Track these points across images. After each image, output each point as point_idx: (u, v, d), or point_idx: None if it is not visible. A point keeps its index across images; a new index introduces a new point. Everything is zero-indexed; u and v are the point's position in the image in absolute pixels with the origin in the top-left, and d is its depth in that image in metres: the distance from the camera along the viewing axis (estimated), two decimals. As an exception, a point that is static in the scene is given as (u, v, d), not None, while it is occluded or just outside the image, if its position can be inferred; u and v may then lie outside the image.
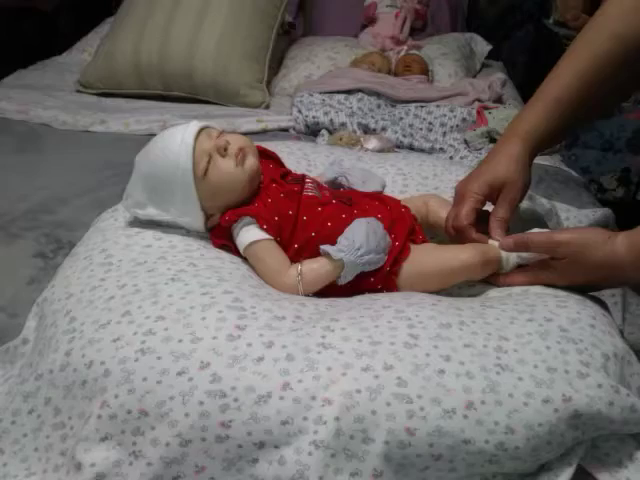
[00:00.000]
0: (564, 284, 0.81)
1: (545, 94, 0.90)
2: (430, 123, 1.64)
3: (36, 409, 0.72)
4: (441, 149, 1.58)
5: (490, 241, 0.86)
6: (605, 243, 0.76)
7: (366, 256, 0.80)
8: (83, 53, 2.27)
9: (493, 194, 0.88)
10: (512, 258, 0.85)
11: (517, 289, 0.82)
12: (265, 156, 0.94)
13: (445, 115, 1.66)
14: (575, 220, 1.08)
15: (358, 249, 0.80)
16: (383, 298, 0.79)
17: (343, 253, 0.80)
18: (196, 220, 0.87)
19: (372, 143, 1.48)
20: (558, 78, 0.90)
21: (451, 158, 1.53)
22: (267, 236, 0.84)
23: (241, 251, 0.85)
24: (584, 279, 0.80)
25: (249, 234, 0.84)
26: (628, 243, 0.75)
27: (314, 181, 0.93)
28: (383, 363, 0.66)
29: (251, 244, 0.84)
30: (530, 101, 0.91)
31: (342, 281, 0.82)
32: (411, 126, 1.64)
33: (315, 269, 0.82)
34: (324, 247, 0.81)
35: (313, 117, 1.66)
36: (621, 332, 0.85)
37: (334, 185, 0.99)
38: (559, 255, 0.79)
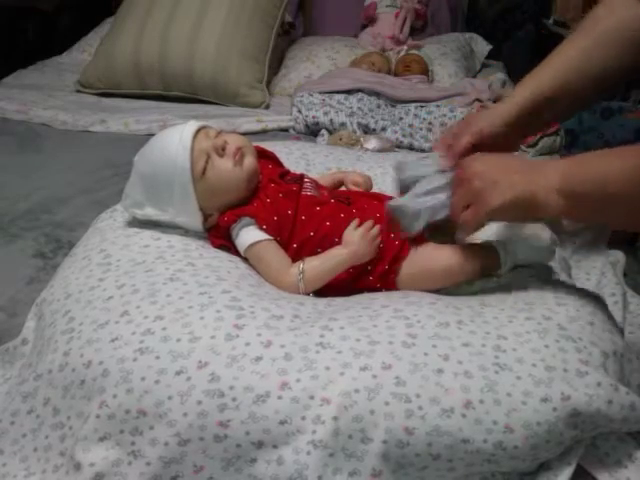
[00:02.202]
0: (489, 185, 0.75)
1: (549, 66, 0.90)
2: (430, 123, 1.64)
3: (35, 409, 0.72)
4: (441, 149, 1.58)
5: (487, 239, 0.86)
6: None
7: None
8: (83, 53, 2.27)
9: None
10: (510, 258, 0.85)
11: (516, 286, 0.82)
12: (264, 156, 0.94)
13: (445, 115, 1.66)
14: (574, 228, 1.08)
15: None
16: (381, 297, 0.79)
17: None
18: (194, 220, 0.87)
19: (372, 143, 1.48)
20: (560, 53, 0.90)
21: (451, 158, 1.53)
22: (267, 236, 0.84)
23: (241, 252, 0.85)
24: (502, 170, 0.76)
25: (249, 235, 0.84)
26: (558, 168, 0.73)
27: (312, 181, 0.93)
28: (381, 362, 0.66)
29: (251, 245, 0.84)
30: (536, 69, 0.90)
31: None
32: (411, 126, 1.64)
33: (316, 266, 0.82)
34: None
35: (313, 117, 1.66)
36: (621, 331, 0.85)
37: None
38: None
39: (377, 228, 0.84)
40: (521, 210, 0.75)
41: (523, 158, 0.72)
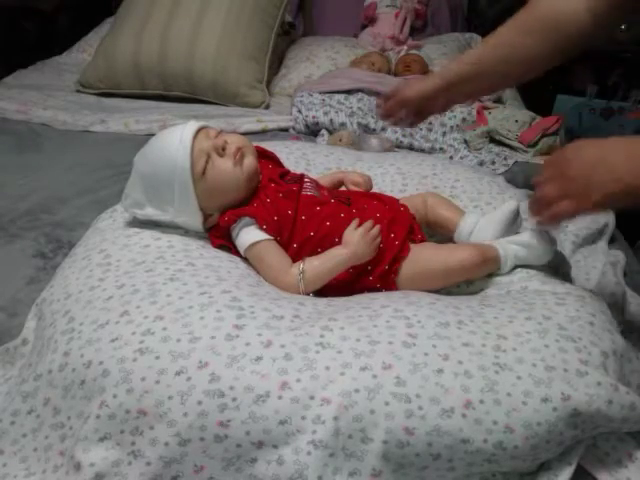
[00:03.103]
0: (574, 185, 0.74)
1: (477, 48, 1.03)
2: (430, 123, 1.64)
3: (35, 409, 0.72)
4: (441, 149, 1.58)
5: (488, 241, 0.86)
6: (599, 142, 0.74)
7: None
8: (83, 53, 2.27)
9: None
10: (510, 258, 0.85)
11: (516, 286, 0.82)
12: (264, 156, 0.94)
13: (445, 115, 1.66)
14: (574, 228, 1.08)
15: None
16: (381, 297, 0.79)
17: None
18: (194, 220, 0.87)
19: (372, 143, 1.48)
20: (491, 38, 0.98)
21: (451, 158, 1.53)
22: (267, 236, 0.84)
23: (242, 252, 0.85)
24: (582, 173, 0.74)
25: (249, 235, 0.84)
26: (625, 149, 0.72)
27: (312, 181, 0.93)
28: (382, 362, 0.66)
29: (252, 245, 0.84)
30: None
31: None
32: (411, 126, 1.64)
33: (316, 266, 0.82)
34: None
35: (313, 117, 1.66)
36: (621, 331, 0.85)
37: None
38: (560, 159, 0.77)
39: (377, 228, 0.84)
40: (625, 200, 0.73)
41: (619, 141, 0.71)
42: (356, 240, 0.83)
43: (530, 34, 0.91)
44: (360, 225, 0.84)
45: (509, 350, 0.68)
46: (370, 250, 0.83)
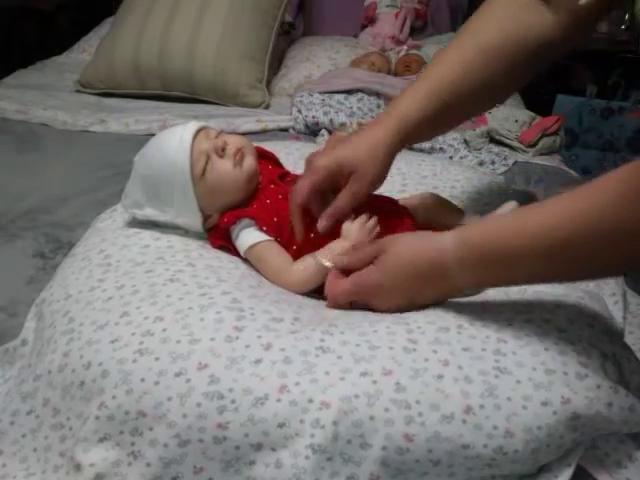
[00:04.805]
0: (385, 291, 0.74)
1: (427, 78, 0.85)
2: (430, 123, 1.64)
3: (35, 410, 0.72)
4: (441, 149, 1.58)
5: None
6: (434, 238, 0.72)
7: None
8: (83, 53, 2.27)
9: (340, 176, 0.81)
10: None
11: (515, 288, 0.82)
12: (264, 157, 0.94)
13: (445, 115, 1.66)
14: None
15: None
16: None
17: None
18: (194, 220, 0.87)
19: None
20: (441, 64, 0.85)
21: (451, 158, 1.53)
22: (267, 237, 0.84)
23: (242, 254, 0.85)
24: (406, 280, 0.73)
25: (249, 236, 0.84)
26: (458, 239, 0.69)
27: (312, 182, 0.93)
28: (382, 368, 0.66)
29: (252, 247, 0.84)
30: (413, 83, 0.86)
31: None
32: (411, 126, 1.64)
33: (317, 262, 0.82)
34: None
35: (313, 117, 1.66)
36: (621, 331, 0.85)
37: None
38: (379, 246, 0.74)
39: (374, 220, 0.83)
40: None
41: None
42: (354, 232, 0.82)
43: (500, 57, 0.83)
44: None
45: (509, 354, 0.68)
46: (369, 241, 0.81)
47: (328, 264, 0.80)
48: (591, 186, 0.63)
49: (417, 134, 0.85)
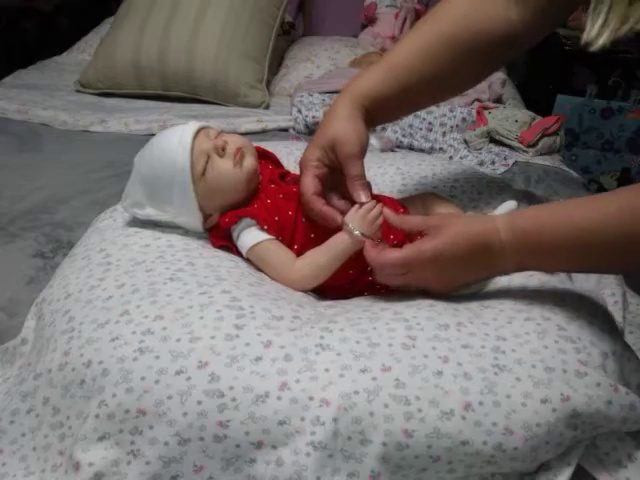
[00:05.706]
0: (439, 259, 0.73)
1: (384, 61, 0.88)
2: (430, 123, 1.64)
3: (35, 408, 0.72)
4: (441, 149, 1.58)
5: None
6: (486, 220, 0.74)
7: None
8: (83, 53, 2.27)
9: (332, 157, 0.83)
10: None
11: (515, 287, 0.82)
12: (264, 157, 0.94)
13: (445, 115, 1.66)
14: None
15: None
16: (381, 299, 0.79)
17: None
18: (194, 220, 0.87)
19: (372, 143, 1.48)
20: (399, 48, 0.88)
21: (451, 158, 1.53)
22: (268, 236, 0.84)
23: (244, 254, 0.85)
24: (461, 258, 0.73)
25: (250, 236, 0.84)
26: (510, 224, 0.72)
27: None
28: (381, 364, 0.66)
29: (253, 246, 0.84)
30: (370, 67, 0.89)
31: None
32: (411, 126, 1.64)
33: (320, 258, 0.81)
34: None
35: (313, 117, 1.66)
36: (621, 331, 0.85)
37: None
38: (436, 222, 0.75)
39: (379, 207, 0.81)
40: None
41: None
42: (357, 222, 0.80)
43: (460, 46, 0.84)
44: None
45: (508, 351, 0.68)
46: (373, 230, 0.79)
47: (357, 233, 0.79)
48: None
49: (377, 110, 0.86)
